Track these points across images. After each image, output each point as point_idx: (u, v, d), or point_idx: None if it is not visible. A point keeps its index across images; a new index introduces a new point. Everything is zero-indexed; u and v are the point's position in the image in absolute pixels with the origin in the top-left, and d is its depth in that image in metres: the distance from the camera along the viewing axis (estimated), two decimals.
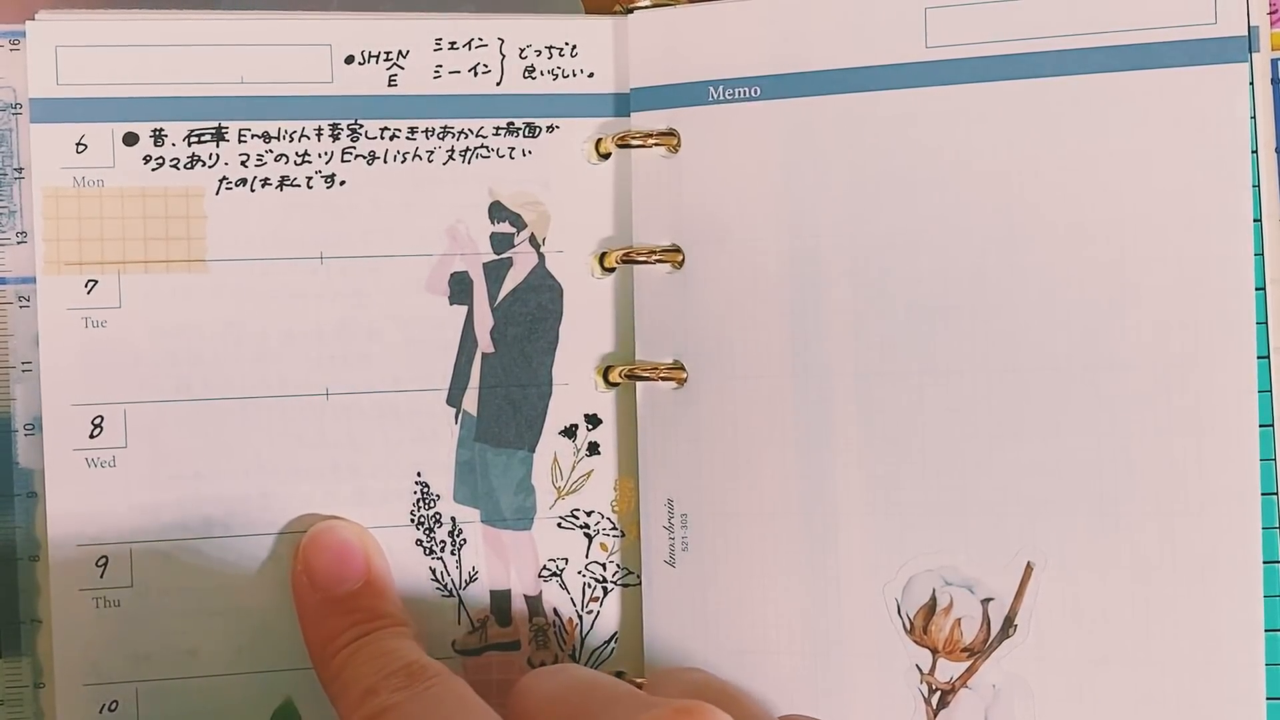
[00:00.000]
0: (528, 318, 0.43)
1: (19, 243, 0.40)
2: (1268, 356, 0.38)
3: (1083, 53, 0.39)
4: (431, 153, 0.42)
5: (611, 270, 0.43)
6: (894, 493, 0.40)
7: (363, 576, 0.40)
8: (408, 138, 0.42)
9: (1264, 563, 0.38)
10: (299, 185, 0.41)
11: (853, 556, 0.41)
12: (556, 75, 0.43)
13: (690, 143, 0.42)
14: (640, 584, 0.43)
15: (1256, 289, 0.38)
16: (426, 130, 0.42)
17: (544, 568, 0.43)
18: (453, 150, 0.42)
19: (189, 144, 0.41)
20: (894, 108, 0.40)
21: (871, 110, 0.41)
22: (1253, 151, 0.38)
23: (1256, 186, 0.38)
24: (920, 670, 0.40)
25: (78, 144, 0.40)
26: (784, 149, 0.41)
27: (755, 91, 0.42)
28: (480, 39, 0.42)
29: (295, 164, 0.41)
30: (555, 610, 0.43)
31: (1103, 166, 0.39)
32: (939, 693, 0.40)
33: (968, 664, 0.40)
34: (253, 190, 0.41)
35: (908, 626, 0.40)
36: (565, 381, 0.43)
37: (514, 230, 0.43)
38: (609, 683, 0.38)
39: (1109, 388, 0.39)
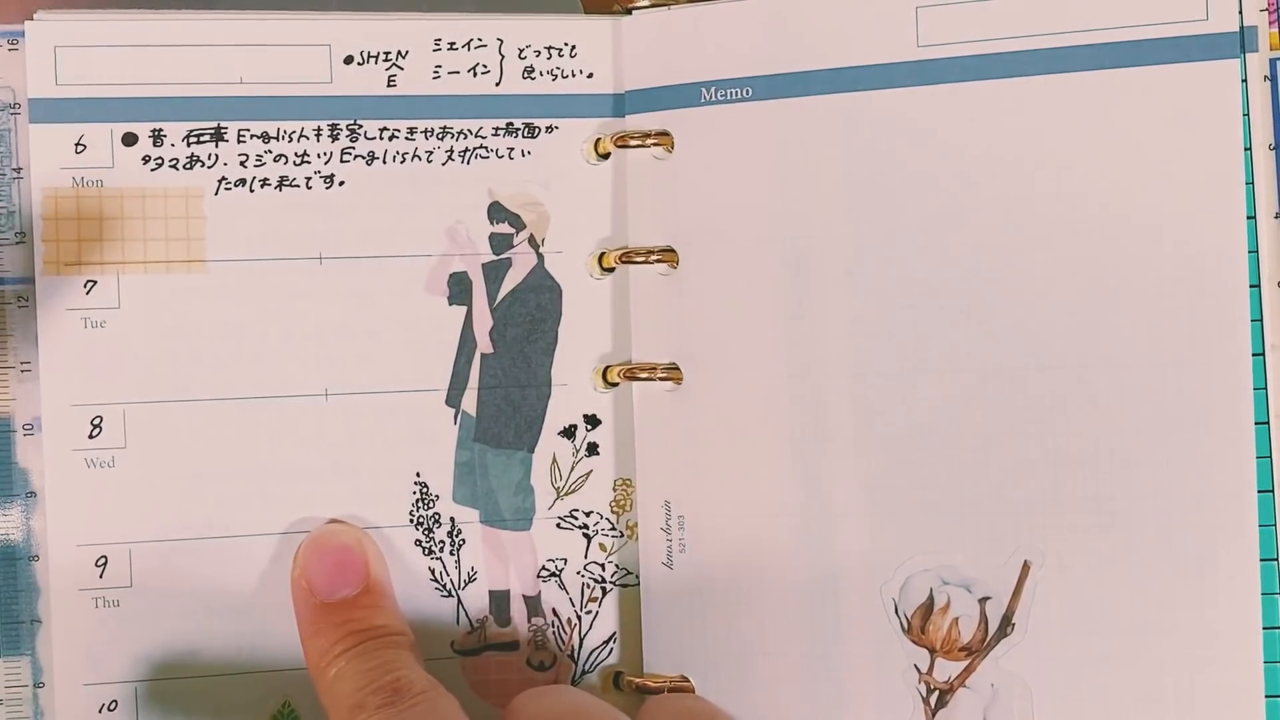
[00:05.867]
0: (527, 318, 0.43)
1: (18, 243, 0.40)
2: (1263, 354, 0.38)
3: (1074, 50, 0.39)
4: (431, 153, 0.42)
5: (611, 270, 0.43)
6: (891, 492, 0.40)
7: (361, 583, 0.40)
8: (407, 138, 0.42)
9: (1261, 560, 0.38)
10: (298, 185, 0.41)
11: (850, 556, 0.41)
12: (556, 76, 0.43)
13: (684, 144, 0.42)
14: (639, 584, 0.43)
15: (1251, 286, 0.38)
16: (426, 130, 0.42)
17: (543, 568, 0.43)
18: (452, 150, 0.42)
19: (188, 144, 0.41)
20: (886, 107, 0.41)
21: (864, 110, 0.41)
22: (1246, 149, 0.38)
23: (1250, 184, 0.38)
24: (918, 670, 0.40)
25: (77, 144, 0.40)
26: (777, 149, 0.41)
27: (747, 92, 0.42)
28: (479, 39, 0.42)
29: (294, 164, 0.41)
30: (554, 611, 0.43)
31: (1095, 164, 0.39)
32: (937, 692, 0.40)
33: (966, 663, 0.40)
34: (252, 191, 0.41)
35: (905, 626, 0.40)
36: (564, 382, 0.43)
37: (513, 231, 0.43)
38: (601, 709, 0.38)
39: (1104, 386, 0.39)
